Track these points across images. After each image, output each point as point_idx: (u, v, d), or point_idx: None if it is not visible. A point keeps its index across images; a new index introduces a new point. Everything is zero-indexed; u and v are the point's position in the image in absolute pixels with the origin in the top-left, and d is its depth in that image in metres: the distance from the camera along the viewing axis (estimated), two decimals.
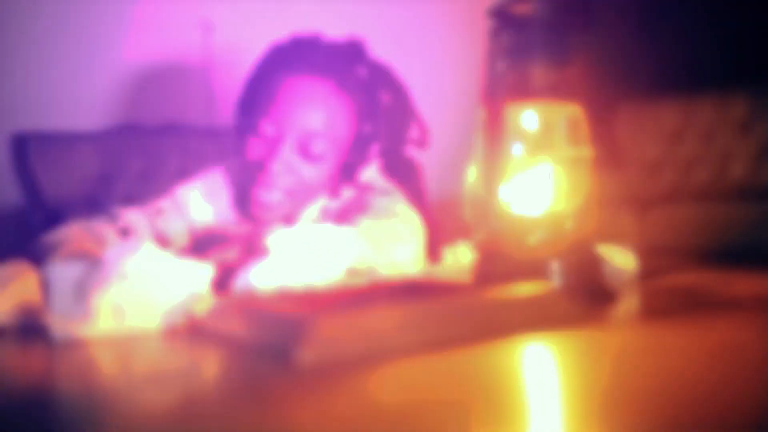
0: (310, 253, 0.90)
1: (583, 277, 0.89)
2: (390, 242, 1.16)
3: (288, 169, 1.30)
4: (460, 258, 1.20)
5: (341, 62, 1.34)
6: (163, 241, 1.38)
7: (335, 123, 1.32)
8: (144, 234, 1.39)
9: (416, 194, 1.42)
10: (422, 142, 1.44)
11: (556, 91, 0.89)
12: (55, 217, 2.22)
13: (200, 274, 0.83)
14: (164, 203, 1.42)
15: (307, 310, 0.64)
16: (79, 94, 2.64)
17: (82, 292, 0.79)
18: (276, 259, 0.89)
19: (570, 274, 0.88)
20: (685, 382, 0.58)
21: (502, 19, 0.89)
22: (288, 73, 1.31)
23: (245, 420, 0.52)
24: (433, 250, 1.35)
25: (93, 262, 0.82)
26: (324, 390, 0.57)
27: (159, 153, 2.54)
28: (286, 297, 0.81)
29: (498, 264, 0.88)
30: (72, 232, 1.36)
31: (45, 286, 0.96)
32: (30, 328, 0.89)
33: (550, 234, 0.90)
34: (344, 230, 0.96)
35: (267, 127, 1.30)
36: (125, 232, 1.34)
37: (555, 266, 0.88)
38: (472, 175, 0.90)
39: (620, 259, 1.07)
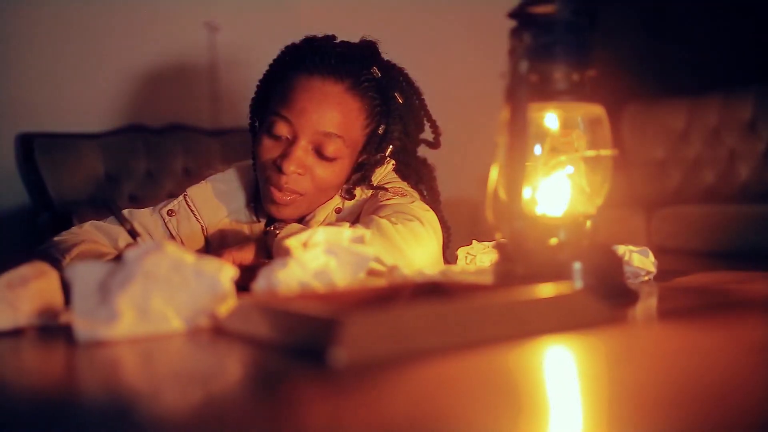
0: (331, 253, 0.90)
1: (604, 278, 0.89)
2: (408, 243, 1.16)
3: (302, 170, 1.30)
4: (476, 259, 1.20)
5: (355, 63, 1.34)
6: (175, 242, 1.38)
7: (349, 123, 1.32)
8: (155, 235, 1.39)
9: (431, 195, 1.42)
10: (434, 143, 1.45)
11: (577, 92, 0.89)
12: (61, 217, 2.22)
13: (222, 274, 0.83)
14: (176, 204, 1.41)
15: (338, 310, 0.64)
16: (85, 95, 2.64)
17: (105, 293, 0.79)
18: (297, 259, 0.88)
19: (592, 274, 0.87)
20: (714, 381, 0.58)
21: (523, 20, 0.89)
22: (303, 74, 1.32)
23: (270, 421, 0.52)
24: (445, 251, 1.35)
25: (115, 263, 0.81)
26: (355, 390, 0.57)
27: (164, 153, 2.54)
28: (309, 297, 0.81)
29: (519, 264, 0.88)
30: (84, 232, 1.36)
31: (67, 287, 0.96)
32: (51, 329, 0.89)
33: (571, 234, 0.90)
34: (363, 231, 0.96)
35: (282, 128, 1.30)
36: (136, 233, 1.34)
37: (577, 267, 0.87)
38: (494, 175, 0.90)
39: (639, 260, 1.07)
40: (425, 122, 1.43)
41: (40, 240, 2.28)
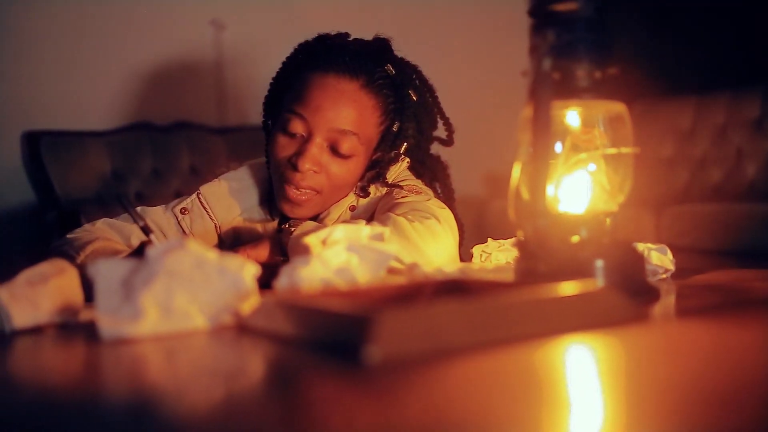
0: (352, 251, 0.90)
1: (626, 275, 0.89)
2: (425, 241, 1.15)
3: (317, 167, 1.30)
4: (492, 257, 1.20)
5: (369, 61, 1.34)
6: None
7: (364, 121, 1.32)
8: (168, 233, 1.39)
9: (445, 192, 1.42)
10: (448, 141, 1.44)
11: (599, 90, 0.89)
12: (69, 215, 2.22)
13: (245, 272, 0.83)
14: (189, 202, 1.41)
15: (370, 308, 0.64)
16: (92, 93, 2.64)
17: (129, 290, 0.79)
18: (319, 257, 0.88)
19: (614, 272, 0.87)
20: (736, 380, 0.58)
21: (545, 18, 0.89)
22: (317, 72, 1.32)
23: (301, 419, 0.52)
24: (459, 249, 1.35)
25: (138, 261, 0.81)
26: (390, 387, 0.57)
27: (170, 151, 2.54)
28: (333, 295, 0.81)
29: (541, 262, 0.87)
30: (98, 230, 1.36)
31: (90, 285, 0.96)
32: (70, 326, 0.89)
33: (592, 232, 0.90)
34: (382, 229, 0.96)
35: (297, 125, 1.30)
36: (149, 230, 1.34)
37: (599, 264, 0.87)
38: (516, 173, 0.90)
39: (657, 257, 1.07)
40: (438, 120, 1.43)
41: (46, 238, 2.29)
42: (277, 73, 1.41)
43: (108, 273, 0.80)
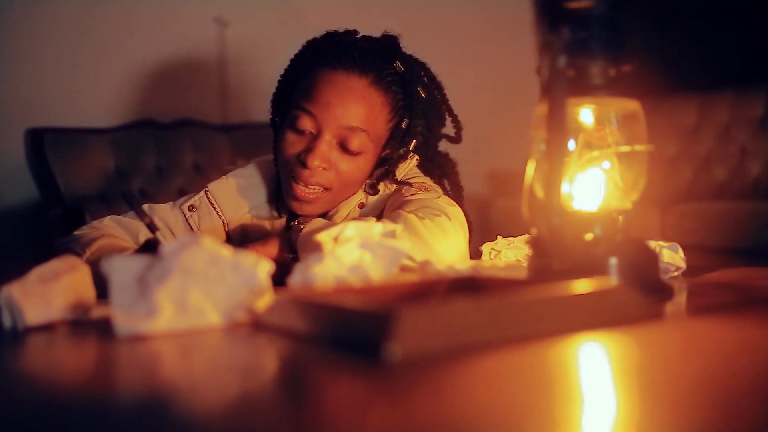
0: (365, 248, 0.90)
1: (640, 273, 0.89)
2: (436, 238, 1.15)
3: (327, 164, 1.30)
4: (501, 254, 1.20)
5: (378, 57, 1.34)
6: None
7: (373, 117, 1.31)
8: (176, 230, 1.39)
9: (454, 190, 1.42)
10: (456, 138, 1.44)
11: (613, 87, 0.89)
12: (72, 212, 2.22)
13: (259, 268, 0.82)
14: (197, 199, 1.41)
15: (391, 305, 0.64)
16: (95, 90, 2.63)
17: (144, 287, 0.79)
18: (333, 254, 0.88)
19: (628, 269, 0.87)
20: (751, 378, 0.58)
21: (558, 15, 0.88)
22: (326, 69, 1.31)
23: (322, 417, 0.52)
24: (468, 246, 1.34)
25: (153, 257, 0.81)
26: (412, 384, 0.57)
27: (174, 148, 2.53)
28: (348, 292, 0.81)
29: (555, 260, 0.87)
30: (105, 227, 1.36)
31: (100, 282, 0.96)
32: (82, 323, 0.88)
33: (606, 230, 0.90)
34: (394, 226, 0.96)
35: (306, 122, 1.30)
36: (156, 227, 1.33)
37: (613, 262, 0.87)
38: (530, 170, 0.90)
39: (669, 255, 1.07)
40: (446, 117, 1.43)
41: (49, 235, 2.28)
42: (285, 70, 1.41)
43: (122, 269, 0.80)
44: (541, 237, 0.89)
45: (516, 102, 3.45)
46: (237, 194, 1.42)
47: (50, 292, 0.88)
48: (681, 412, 0.50)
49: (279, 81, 1.42)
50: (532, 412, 0.51)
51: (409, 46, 1.41)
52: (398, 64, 1.36)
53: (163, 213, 1.39)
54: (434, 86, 1.41)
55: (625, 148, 0.92)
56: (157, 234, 1.16)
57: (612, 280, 0.83)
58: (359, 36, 1.39)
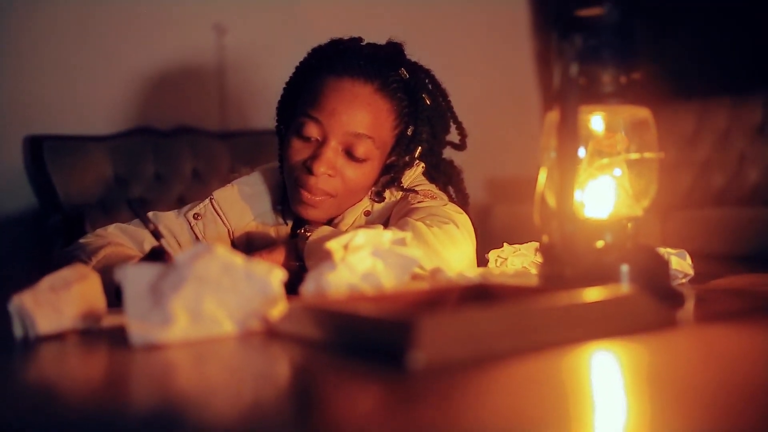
0: (377, 256, 0.90)
1: (651, 280, 0.89)
2: (445, 246, 1.15)
3: (332, 171, 1.30)
4: (508, 261, 1.20)
5: (383, 64, 1.34)
6: None
7: (379, 124, 1.32)
8: (181, 238, 1.38)
9: (459, 197, 1.42)
10: (461, 145, 1.45)
11: (623, 94, 0.89)
12: (73, 219, 2.21)
13: (272, 277, 0.82)
14: (202, 207, 1.41)
15: (412, 313, 0.64)
16: (94, 98, 2.63)
17: (158, 296, 0.79)
18: (346, 262, 0.88)
19: (639, 276, 0.87)
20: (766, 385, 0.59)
21: (569, 23, 0.89)
22: (332, 76, 1.32)
23: (335, 425, 0.52)
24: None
25: (166, 266, 0.81)
26: (435, 393, 0.57)
27: (173, 156, 2.53)
28: (362, 300, 0.81)
29: (567, 267, 0.87)
30: (110, 235, 1.36)
31: (109, 290, 0.96)
32: (92, 332, 0.88)
33: (616, 237, 0.90)
34: (404, 234, 0.96)
35: (312, 129, 1.30)
36: (160, 235, 1.33)
37: (624, 269, 0.87)
38: (542, 178, 0.90)
39: (677, 262, 1.07)
40: (451, 124, 1.43)
41: (48, 243, 2.28)
42: (290, 78, 1.41)
43: (136, 278, 0.80)
44: (552, 244, 0.89)
45: (514, 109, 3.47)
46: (242, 202, 1.42)
47: (61, 301, 0.88)
48: (696, 419, 0.50)
49: (284, 88, 1.42)
50: (550, 420, 0.51)
51: (410, 55, 1.41)
52: (403, 71, 1.36)
53: (168, 221, 1.39)
54: (439, 93, 1.41)
55: (635, 156, 0.92)
56: (162, 242, 1.16)
57: (625, 288, 0.83)
58: (364, 43, 1.39)
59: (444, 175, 1.42)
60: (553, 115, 0.88)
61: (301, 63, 1.40)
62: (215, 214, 1.40)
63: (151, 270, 0.80)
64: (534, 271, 1.16)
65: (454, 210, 1.27)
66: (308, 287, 0.87)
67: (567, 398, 0.56)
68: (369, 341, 0.66)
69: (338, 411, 0.56)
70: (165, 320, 0.77)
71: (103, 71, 2.63)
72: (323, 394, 0.61)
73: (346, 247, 0.93)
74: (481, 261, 1.26)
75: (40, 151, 2.31)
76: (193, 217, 1.39)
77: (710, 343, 0.76)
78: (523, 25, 3.53)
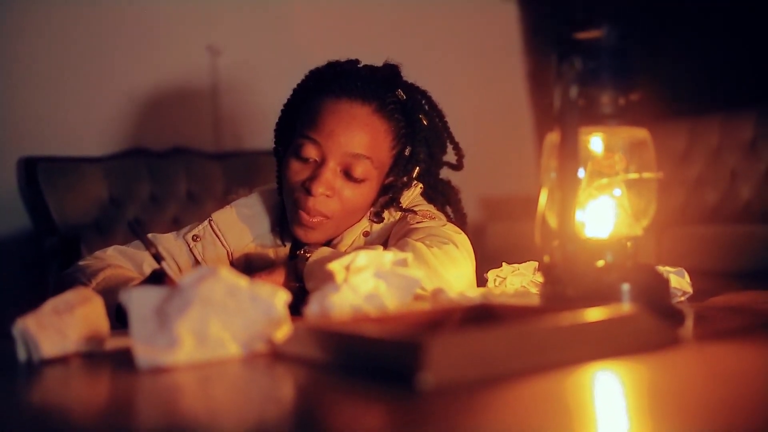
0: (380, 277, 0.90)
1: (652, 299, 0.89)
2: (445, 266, 1.16)
3: (331, 191, 1.30)
4: (506, 281, 1.20)
5: (381, 86, 1.35)
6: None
7: (377, 145, 1.33)
8: (180, 260, 1.39)
9: (457, 217, 1.43)
10: (457, 165, 1.46)
11: (622, 116, 0.91)
12: (69, 241, 2.21)
13: (277, 299, 0.83)
14: (201, 229, 1.41)
15: (420, 334, 0.64)
16: (88, 119, 2.63)
17: (164, 318, 0.79)
18: (348, 284, 0.89)
19: (640, 295, 0.88)
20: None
21: (569, 45, 0.90)
22: (329, 97, 1.33)
23: None
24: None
25: (171, 289, 0.81)
26: (443, 414, 0.57)
27: (167, 177, 2.53)
28: (366, 321, 0.81)
29: (568, 287, 0.88)
30: (109, 257, 1.36)
31: (111, 313, 0.96)
32: (95, 355, 0.88)
33: (616, 256, 0.91)
34: (405, 255, 0.96)
35: (310, 150, 1.31)
36: (161, 257, 1.33)
37: (625, 288, 0.88)
38: (543, 198, 0.91)
39: (675, 280, 1.08)
40: (448, 144, 1.44)
41: (44, 264, 2.27)
42: (288, 99, 1.42)
43: (141, 301, 0.80)
44: (553, 264, 0.90)
45: (506, 128, 3.49)
46: (241, 223, 1.42)
47: (65, 324, 0.88)
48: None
49: (282, 110, 1.43)
50: None
51: (405, 75, 1.43)
52: (400, 92, 1.37)
53: (167, 243, 1.40)
54: (435, 114, 1.42)
55: (634, 176, 0.93)
56: (163, 264, 1.16)
57: (627, 307, 0.84)
58: (361, 65, 1.40)
59: (442, 195, 1.43)
60: (553, 137, 0.89)
61: (298, 85, 1.41)
62: (214, 235, 1.40)
63: (156, 293, 0.81)
64: (533, 290, 1.17)
65: (453, 230, 1.27)
66: (312, 308, 0.88)
67: (572, 417, 0.57)
68: (376, 362, 0.66)
69: None
70: (171, 343, 0.78)
71: (97, 92, 2.64)
72: (329, 416, 0.61)
73: (347, 268, 0.94)
74: (480, 280, 1.27)
75: (35, 173, 2.31)
76: (192, 238, 1.40)
77: (711, 361, 0.77)
78: (515, 45, 3.55)
